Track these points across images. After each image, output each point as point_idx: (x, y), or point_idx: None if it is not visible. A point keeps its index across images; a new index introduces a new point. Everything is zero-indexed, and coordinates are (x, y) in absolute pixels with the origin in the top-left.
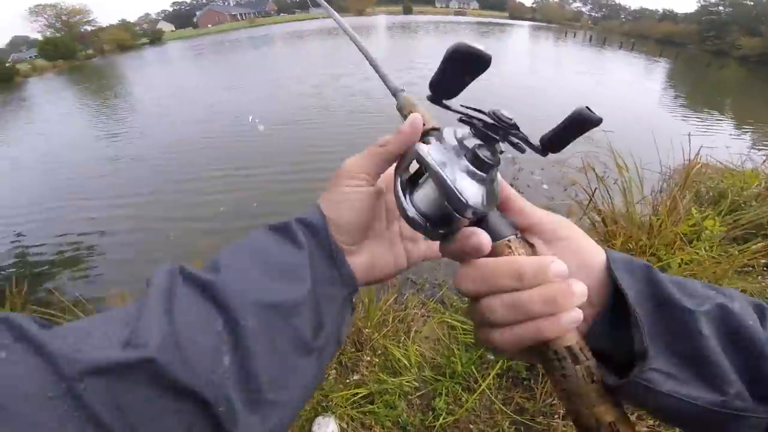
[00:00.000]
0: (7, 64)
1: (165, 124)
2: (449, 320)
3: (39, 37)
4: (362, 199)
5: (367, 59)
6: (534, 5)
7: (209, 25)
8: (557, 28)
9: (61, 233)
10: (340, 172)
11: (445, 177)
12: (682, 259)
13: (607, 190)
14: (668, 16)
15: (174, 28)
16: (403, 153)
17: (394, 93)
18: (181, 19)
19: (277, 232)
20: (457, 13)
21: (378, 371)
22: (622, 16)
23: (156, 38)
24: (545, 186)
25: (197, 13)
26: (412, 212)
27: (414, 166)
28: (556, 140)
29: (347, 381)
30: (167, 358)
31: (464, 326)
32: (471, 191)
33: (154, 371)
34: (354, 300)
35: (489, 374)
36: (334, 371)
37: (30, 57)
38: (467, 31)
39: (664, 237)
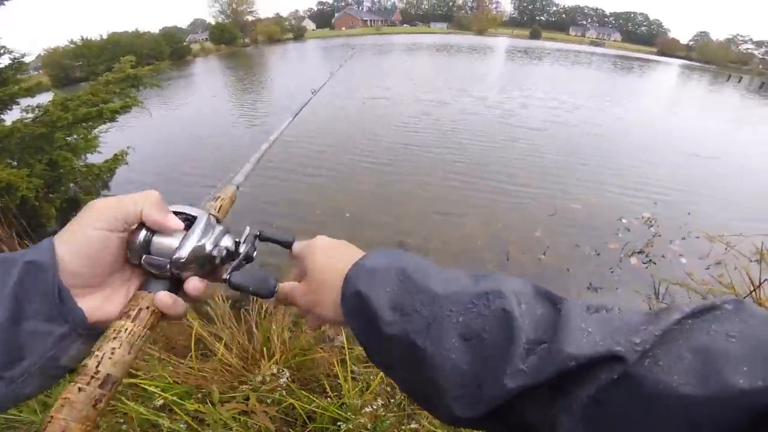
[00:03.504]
0: (184, 44)
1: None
2: None
3: (212, 21)
4: (107, 246)
5: None
6: (691, 43)
7: (343, 28)
8: (715, 70)
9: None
10: (89, 212)
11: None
12: None
13: None
14: None
15: (315, 27)
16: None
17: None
18: (322, 18)
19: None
20: (593, 43)
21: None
22: None
23: (299, 35)
24: (683, 260)
25: (336, 14)
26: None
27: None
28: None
29: (403, 428)
30: None
31: None
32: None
33: None
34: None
35: None
36: (392, 414)
37: (203, 39)
38: (600, 63)
39: None
